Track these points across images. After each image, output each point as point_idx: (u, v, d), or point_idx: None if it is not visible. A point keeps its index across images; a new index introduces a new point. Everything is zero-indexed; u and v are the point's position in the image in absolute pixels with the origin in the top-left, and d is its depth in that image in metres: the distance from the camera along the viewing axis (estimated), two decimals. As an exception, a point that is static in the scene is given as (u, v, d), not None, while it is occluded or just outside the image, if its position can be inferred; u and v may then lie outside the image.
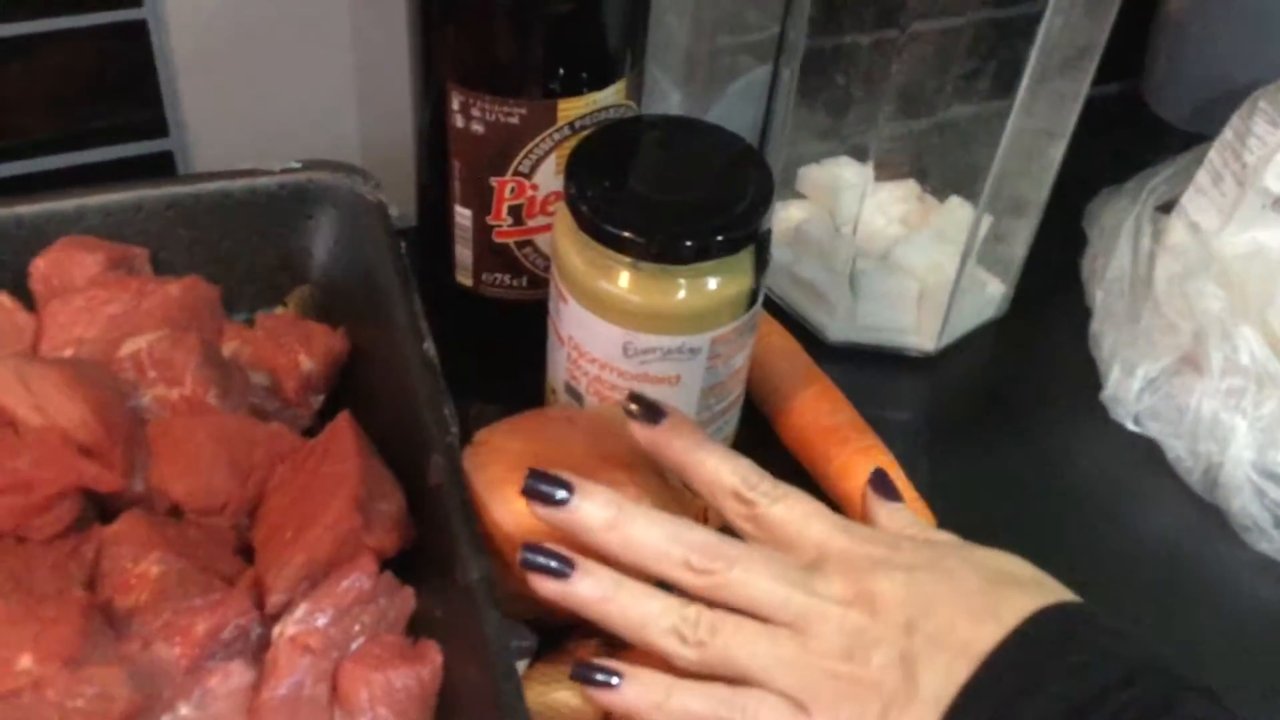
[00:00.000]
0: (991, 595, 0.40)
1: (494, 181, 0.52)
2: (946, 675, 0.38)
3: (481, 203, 0.53)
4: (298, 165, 0.55)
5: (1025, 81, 0.54)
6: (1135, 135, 0.76)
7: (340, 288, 0.56)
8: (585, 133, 0.50)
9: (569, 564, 0.42)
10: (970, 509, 0.55)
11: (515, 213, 0.53)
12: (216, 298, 0.54)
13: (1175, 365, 0.58)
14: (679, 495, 0.48)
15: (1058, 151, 0.60)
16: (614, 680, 0.41)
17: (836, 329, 0.63)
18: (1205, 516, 0.56)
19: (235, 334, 0.53)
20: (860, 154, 0.61)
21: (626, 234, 0.47)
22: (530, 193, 0.52)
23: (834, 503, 0.55)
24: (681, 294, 0.48)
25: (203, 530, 0.47)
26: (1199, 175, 0.59)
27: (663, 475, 0.48)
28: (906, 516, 0.45)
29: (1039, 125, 0.60)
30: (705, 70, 0.68)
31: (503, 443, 0.48)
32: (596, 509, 0.42)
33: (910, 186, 0.67)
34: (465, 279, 0.56)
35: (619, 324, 0.49)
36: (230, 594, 0.44)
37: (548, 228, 0.52)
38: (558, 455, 0.47)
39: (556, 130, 0.51)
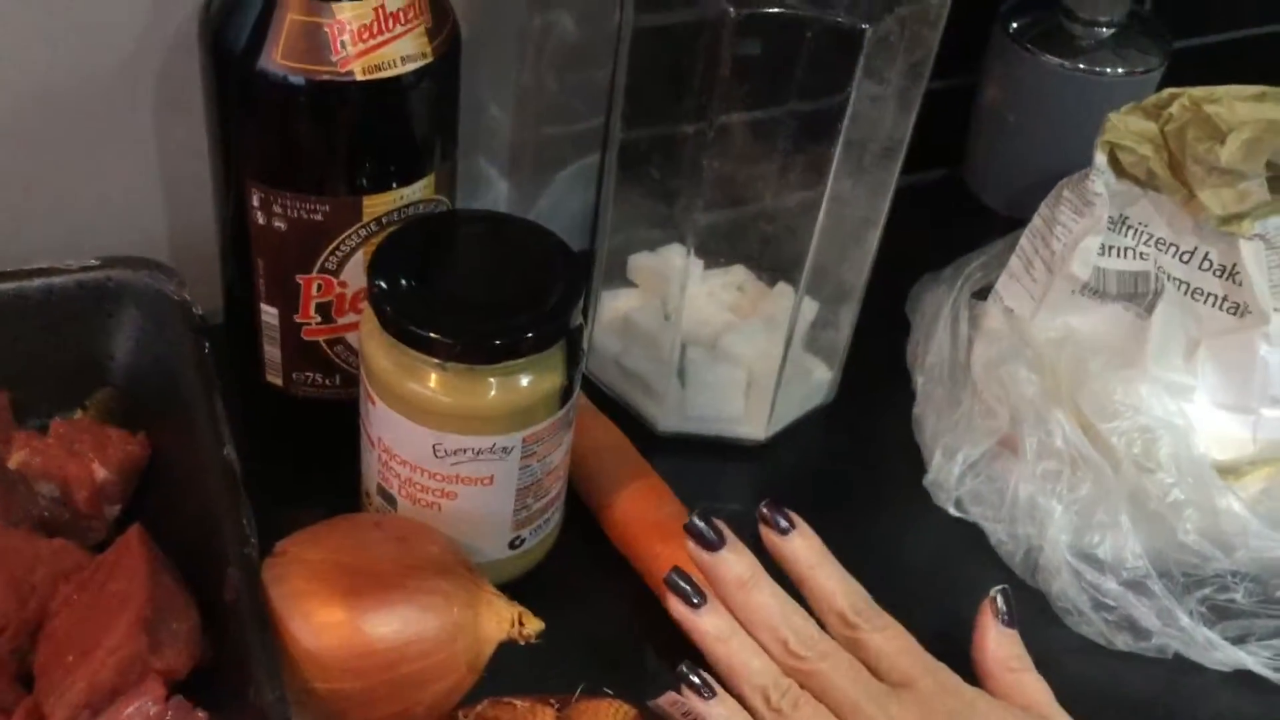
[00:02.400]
0: None
1: (300, 279, 0.51)
2: None
3: (287, 300, 0.51)
4: (96, 263, 0.53)
5: (833, 172, 0.54)
6: (959, 221, 0.77)
7: (142, 390, 0.54)
8: (391, 229, 0.49)
9: (703, 597, 0.49)
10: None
11: (324, 310, 0.52)
12: (4, 404, 0.51)
13: (994, 449, 0.59)
14: (491, 602, 0.46)
15: (874, 238, 0.61)
16: (708, 692, 0.47)
17: (666, 420, 0.62)
18: (1028, 600, 0.57)
19: (24, 443, 0.50)
20: (686, 241, 0.61)
21: (433, 334, 0.46)
22: (339, 290, 0.51)
23: (657, 599, 0.54)
24: (492, 393, 0.47)
25: (-22, 657, 0.44)
26: (1011, 261, 0.61)
27: (477, 583, 0.47)
28: (1013, 647, 0.50)
29: (856, 213, 0.61)
30: (531, 160, 0.68)
31: (303, 553, 0.46)
32: (738, 565, 0.50)
33: (740, 273, 0.67)
34: (275, 378, 0.54)
35: (428, 425, 0.48)
36: (4, 726, 0.41)
37: (358, 324, 0.51)
38: (363, 563, 0.45)
39: (363, 227, 0.49)
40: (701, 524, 0.50)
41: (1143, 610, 0.54)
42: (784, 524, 0.51)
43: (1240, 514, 0.55)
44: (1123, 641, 0.55)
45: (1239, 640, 0.55)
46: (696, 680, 0.47)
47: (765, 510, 0.51)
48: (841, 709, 0.46)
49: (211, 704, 0.42)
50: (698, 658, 0.49)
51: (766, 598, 0.49)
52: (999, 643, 0.50)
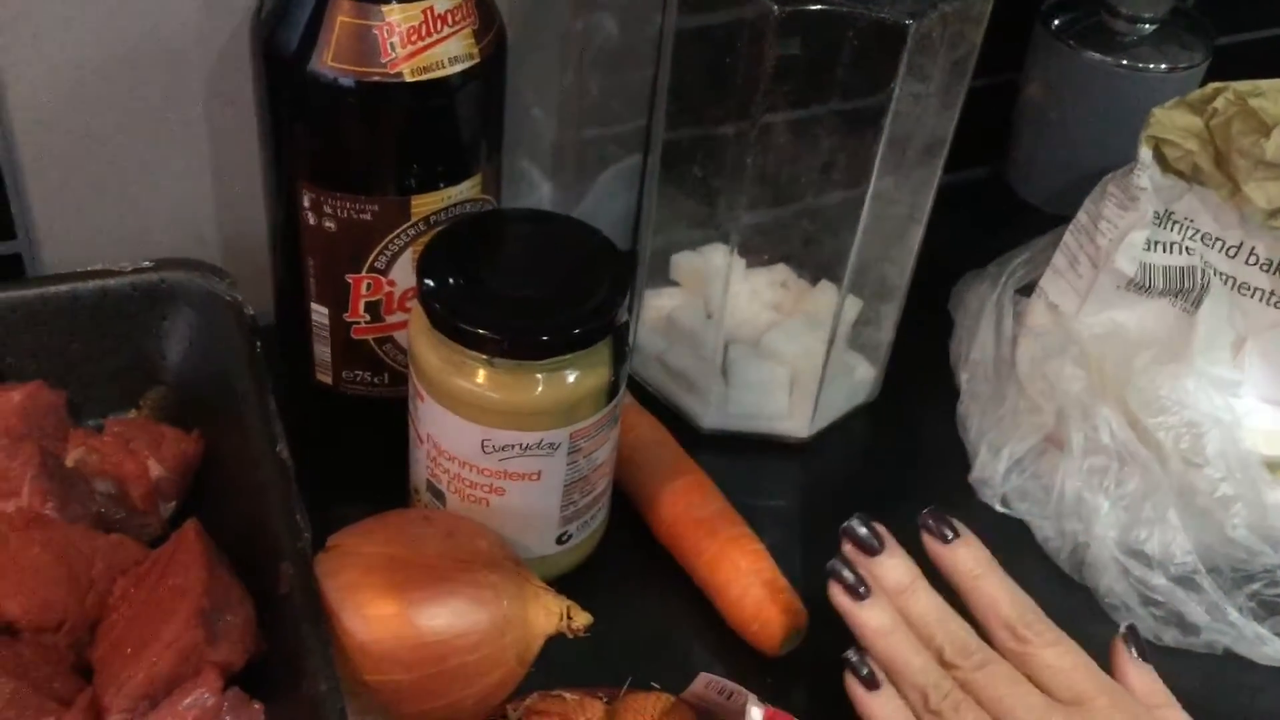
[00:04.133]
0: None
1: (349, 278, 0.51)
2: None
3: (338, 300, 0.52)
4: (150, 265, 0.54)
5: (876, 170, 0.54)
6: (1002, 218, 0.77)
7: (195, 389, 0.55)
8: (440, 228, 0.50)
9: (868, 589, 0.48)
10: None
11: (373, 309, 0.52)
12: (61, 403, 0.52)
13: (1040, 446, 0.59)
14: (539, 596, 0.47)
15: (917, 236, 0.61)
16: (874, 683, 0.46)
17: (709, 417, 0.63)
18: (1075, 596, 0.57)
19: (81, 440, 0.51)
20: (729, 241, 0.61)
21: (481, 331, 0.47)
22: (387, 289, 0.52)
23: (705, 595, 0.54)
24: (539, 389, 0.48)
25: (39, 649, 0.45)
26: (1056, 258, 0.61)
27: (525, 577, 0.47)
28: (1155, 683, 0.48)
29: (899, 211, 0.61)
30: (574, 161, 0.69)
31: (356, 547, 0.46)
32: (897, 571, 0.48)
33: (782, 272, 0.68)
34: (325, 377, 0.55)
35: (477, 421, 0.48)
36: (66, 716, 0.42)
37: (407, 324, 0.51)
38: (414, 557, 0.46)
39: (411, 226, 0.50)
40: (862, 528, 0.49)
41: (1191, 606, 0.54)
42: (948, 533, 0.49)
43: (1289, 509, 0.55)
44: (1171, 637, 0.54)
45: (1289, 636, 0.54)
46: (865, 670, 0.46)
47: (928, 518, 0.49)
48: (997, 715, 0.44)
49: (266, 695, 0.43)
50: (749, 672, 0.48)
51: (925, 604, 0.48)
52: (1140, 679, 0.47)
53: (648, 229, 0.64)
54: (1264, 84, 0.55)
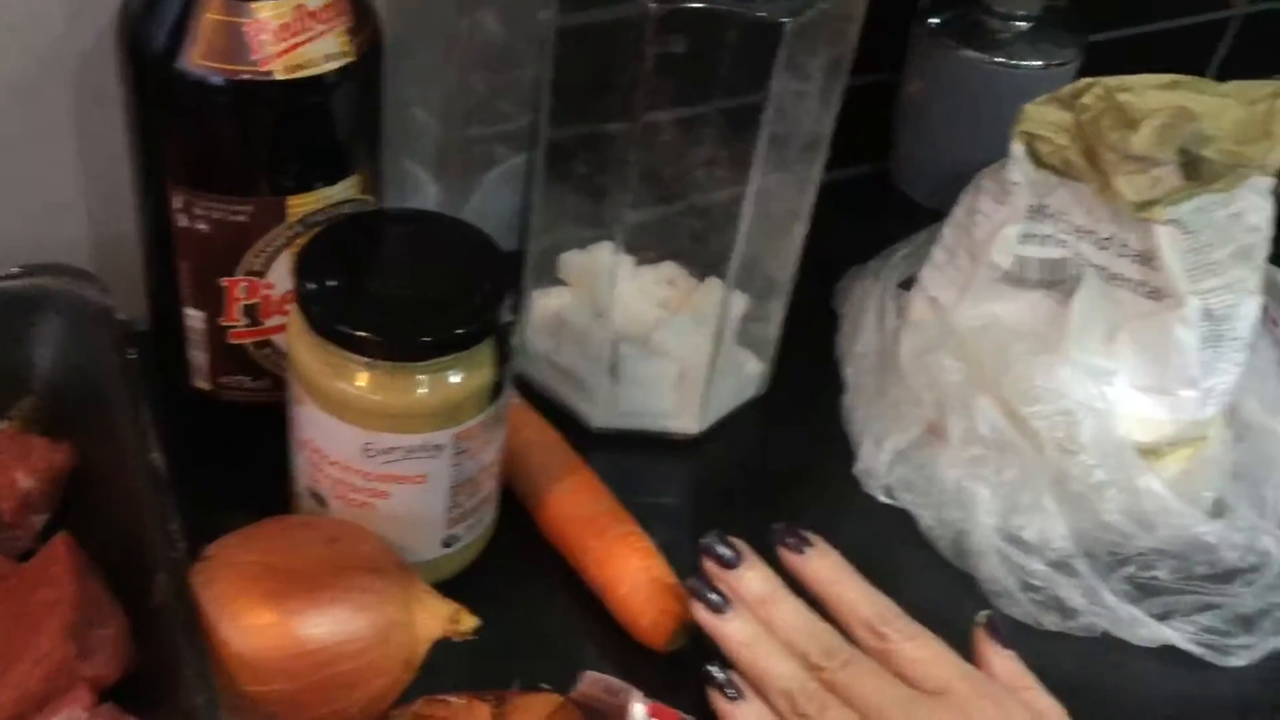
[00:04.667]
0: None
1: (224, 282, 0.50)
2: None
3: (213, 304, 0.51)
4: (16, 270, 0.52)
5: (757, 167, 0.55)
6: (885, 214, 0.78)
7: (66, 398, 0.53)
8: (317, 229, 0.49)
9: (728, 603, 0.49)
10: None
11: (250, 313, 0.51)
12: (-76, 415, 0.50)
13: (922, 437, 0.60)
14: (425, 600, 0.46)
15: (801, 232, 0.62)
16: (733, 693, 0.47)
17: (599, 416, 0.63)
18: (957, 583, 0.58)
19: (-54, 454, 0.49)
20: (615, 239, 0.61)
21: (361, 333, 0.46)
22: (264, 292, 0.51)
23: (595, 594, 0.54)
24: (421, 391, 0.47)
25: (-99, 671, 0.43)
26: (935, 252, 0.62)
27: (411, 581, 0.47)
28: (1017, 667, 0.49)
29: (783, 208, 0.61)
30: (460, 161, 0.68)
31: (232, 555, 0.45)
32: (757, 583, 0.49)
33: (670, 269, 0.68)
34: (202, 383, 0.54)
35: (358, 425, 0.48)
36: (-71, 740, 0.40)
37: (285, 326, 0.51)
38: (294, 564, 0.45)
39: (288, 227, 0.49)
40: (719, 545, 0.50)
41: (1069, 590, 0.55)
42: (799, 543, 0.50)
43: (1161, 493, 0.56)
44: (1050, 621, 0.56)
45: (1163, 616, 0.56)
46: (723, 681, 0.47)
47: (780, 531, 0.51)
48: (868, 717, 0.45)
49: (142, 710, 0.42)
50: (633, 670, 0.48)
51: (787, 612, 0.49)
52: (1003, 665, 0.49)
53: (534, 229, 0.63)
54: (1131, 79, 0.57)
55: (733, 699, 0.47)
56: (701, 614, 0.49)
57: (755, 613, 0.49)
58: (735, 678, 0.47)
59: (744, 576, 0.49)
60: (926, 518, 0.59)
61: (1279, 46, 0.91)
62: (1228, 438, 0.61)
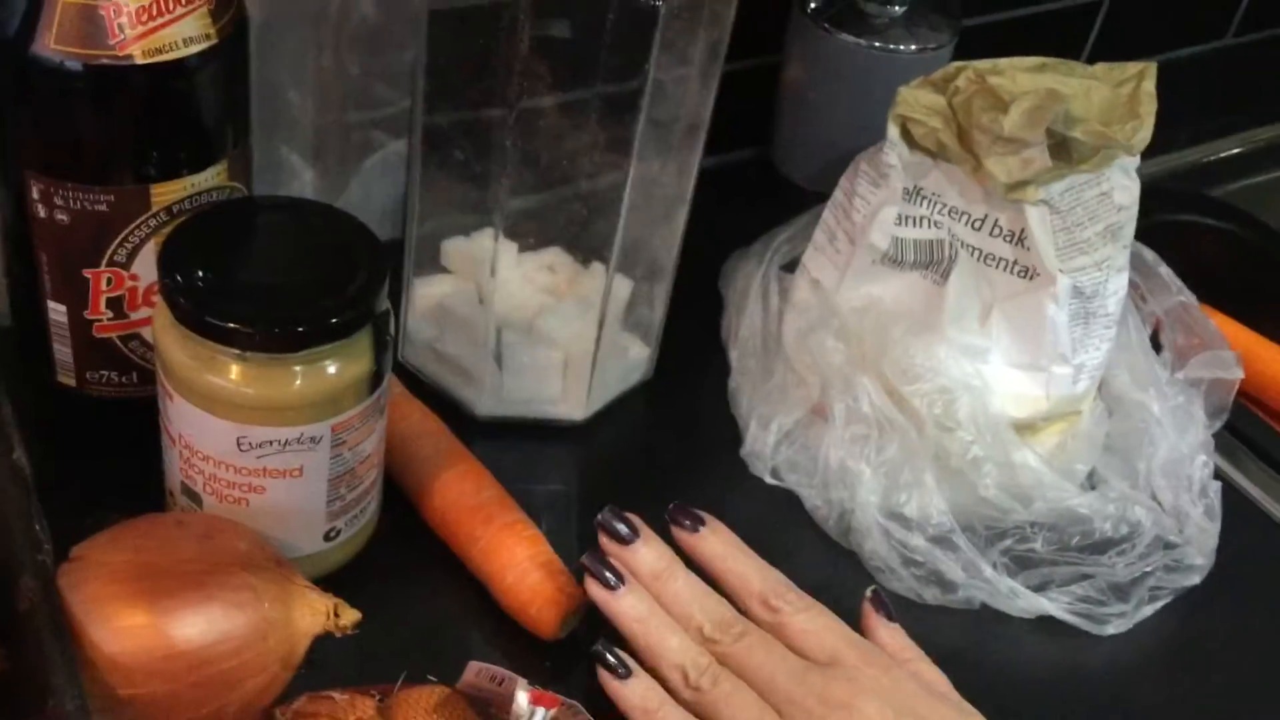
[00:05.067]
0: None
1: (88, 274, 0.49)
2: None
3: (76, 297, 0.49)
4: None
5: (636, 151, 0.55)
6: (768, 198, 0.79)
7: (-77, 398, 0.51)
8: (183, 218, 0.48)
9: (620, 579, 0.49)
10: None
11: (115, 305, 0.50)
12: None
13: (807, 418, 0.60)
14: (304, 596, 0.45)
15: (683, 216, 0.62)
16: (622, 671, 0.47)
17: (484, 404, 0.62)
18: (843, 561, 0.58)
19: None
20: (497, 225, 0.61)
21: (230, 324, 0.45)
22: (130, 283, 0.49)
23: (482, 584, 0.54)
24: (297, 383, 0.46)
25: None
26: (816, 234, 0.62)
27: (289, 577, 0.46)
28: (904, 640, 0.50)
29: (665, 192, 0.61)
30: (337, 147, 0.67)
31: (101, 556, 0.44)
32: (652, 558, 0.50)
33: (553, 255, 0.67)
34: (68, 379, 0.52)
35: (231, 419, 0.46)
36: None
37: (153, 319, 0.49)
38: (165, 563, 0.44)
39: (152, 216, 0.48)
40: (615, 520, 0.50)
41: (949, 564, 0.56)
42: (693, 523, 0.51)
43: (1036, 468, 0.57)
44: (932, 595, 0.57)
45: (1040, 588, 0.57)
46: (611, 659, 0.47)
47: (674, 511, 0.51)
48: (761, 687, 0.46)
49: (12, 716, 0.41)
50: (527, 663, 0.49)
51: (681, 587, 0.49)
52: (890, 637, 0.50)
53: (414, 216, 0.62)
54: (1003, 62, 0.58)
55: (622, 677, 0.47)
56: (595, 590, 0.49)
57: (649, 588, 0.49)
58: (624, 655, 0.47)
59: (639, 552, 0.50)
60: (812, 497, 0.59)
61: (1149, 27, 0.94)
62: (1100, 412, 0.62)
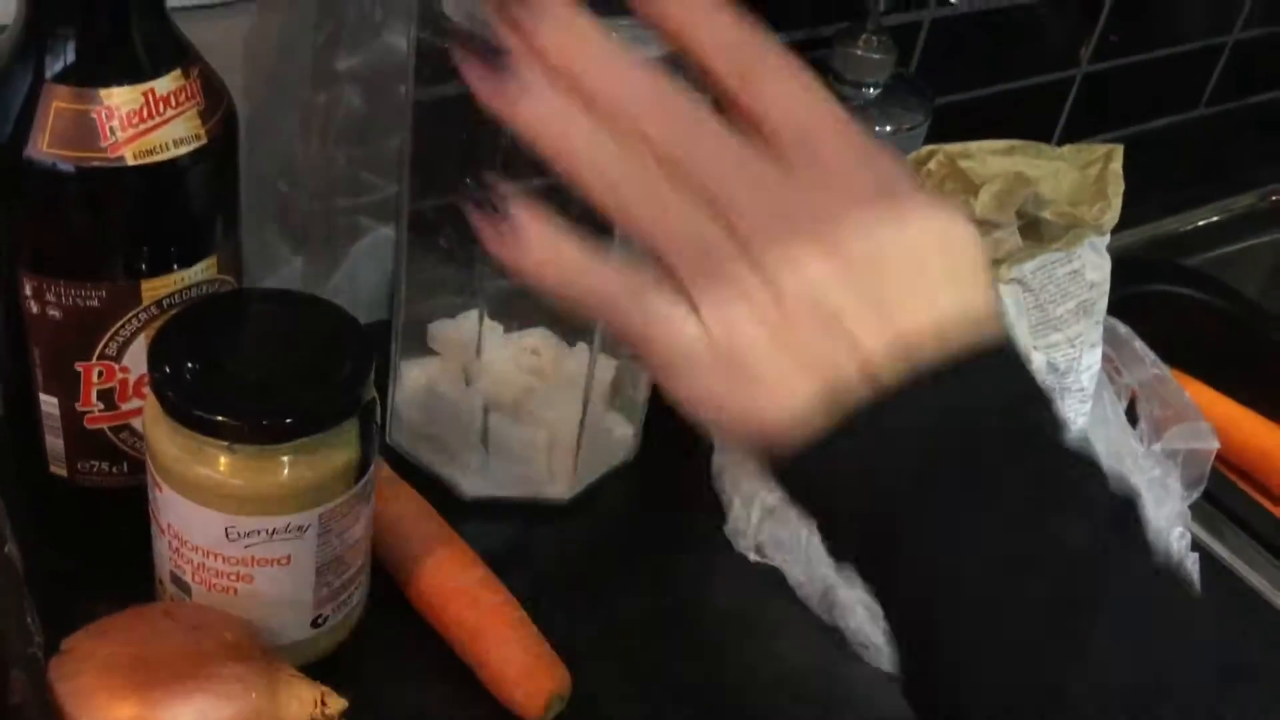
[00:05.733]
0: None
1: (79, 367, 0.49)
2: None
3: (68, 389, 0.50)
4: None
5: (618, 235, 0.56)
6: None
7: (-85, 490, 0.52)
8: (172, 312, 0.49)
9: (519, 73, 0.34)
10: (608, 658, 0.56)
11: (106, 397, 0.50)
12: None
13: (789, 495, 0.61)
14: (291, 684, 0.46)
15: (666, 298, 0.63)
16: (495, 206, 0.35)
17: (470, 485, 0.63)
18: (828, 637, 0.59)
19: None
20: (482, 307, 0.62)
21: (219, 417, 0.46)
22: (121, 376, 0.50)
23: (469, 667, 0.54)
24: (284, 473, 0.47)
25: None
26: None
27: (276, 666, 0.47)
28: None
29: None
30: (325, 233, 0.68)
31: (91, 648, 0.45)
32: (560, 29, 0.34)
33: (539, 335, 0.68)
34: (59, 469, 0.53)
35: (219, 509, 0.47)
36: None
37: (143, 410, 0.50)
38: (154, 655, 0.45)
39: (143, 310, 0.49)
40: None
41: (932, 640, 0.57)
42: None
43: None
44: (916, 672, 0.57)
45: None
46: (480, 196, 0.35)
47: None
48: (714, 200, 0.34)
49: (-3, 814, 0.41)
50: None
51: (604, 65, 0.34)
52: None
53: (401, 300, 0.64)
54: (972, 146, 0.59)
55: (493, 213, 0.36)
56: (484, 92, 0.34)
57: (561, 78, 0.34)
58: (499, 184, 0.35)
59: (542, 28, 0.34)
60: (796, 574, 0.60)
61: (1122, 99, 0.96)
62: (1079, 484, 0.63)
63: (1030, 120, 0.77)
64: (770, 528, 0.61)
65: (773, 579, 0.61)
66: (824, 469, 0.34)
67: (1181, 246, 0.91)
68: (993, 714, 0.33)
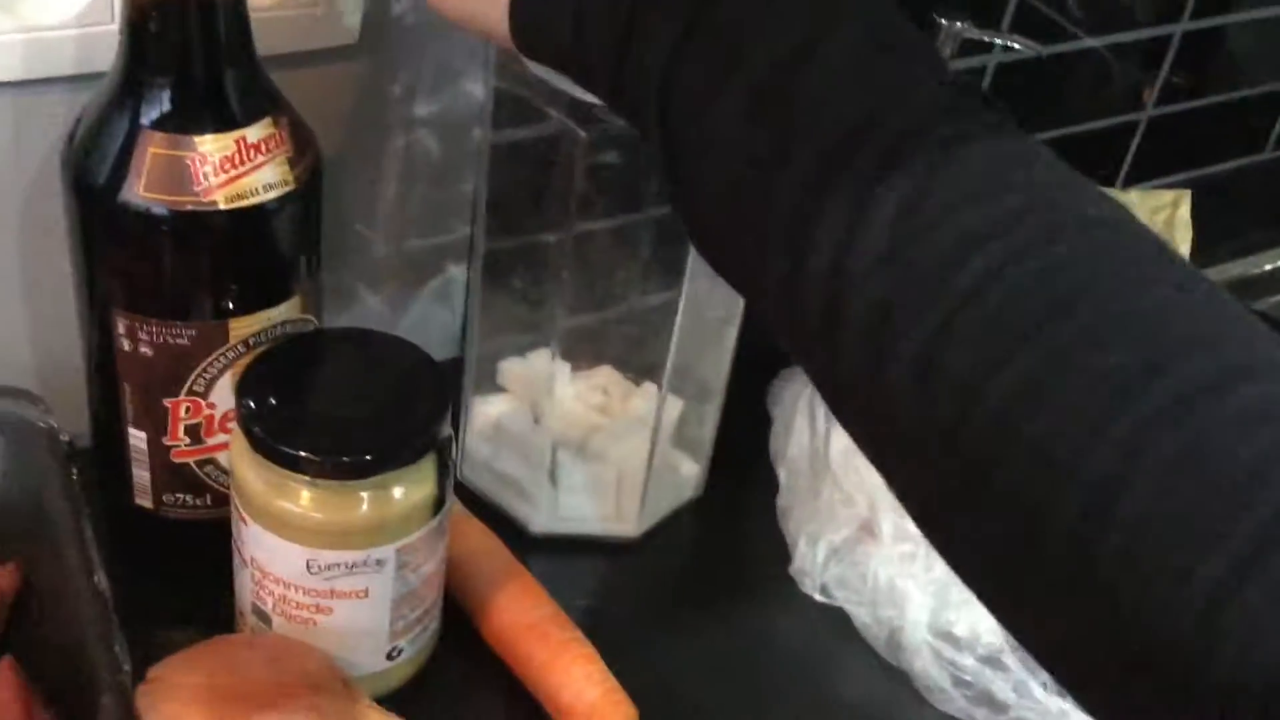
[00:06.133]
0: None
1: (168, 403, 0.51)
2: None
3: (156, 424, 0.52)
4: (-40, 393, 0.53)
5: (688, 274, 0.57)
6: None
7: (9, 519, 0.53)
8: (259, 350, 0.50)
9: None
10: (674, 696, 0.57)
11: (192, 432, 0.52)
12: None
13: (855, 535, 0.61)
14: (368, 715, 0.47)
15: (732, 336, 0.64)
16: None
17: (539, 521, 0.64)
18: (894, 680, 0.59)
19: (-114, 580, 0.49)
20: (552, 345, 0.63)
21: (302, 453, 0.47)
22: (207, 411, 0.52)
23: (539, 702, 0.55)
24: (364, 508, 0.48)
25: None
26: (862, 355, 0.64)
27: (354, 697, 0.48)
28: None
29: (715, 313, 0.63)
30: (400, 272, 0.70)
31: (177, 677, 0.46)
32: None
33: (606, 374, 0.70)
34: (145, 501, 0.54)
35: (301, 543, 0.48)
36: None
37: (228, 445, 0.51)
38: (237, 685, 0.46)
39: (230, 349, 0.50)
40: None
41: (999, 684, 0.57)
42: None
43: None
44: (983, 716, 0.57)
45: (1091, 707, 0.57)
46: None
47: None
48: None
49: (86, 837, 0.42)
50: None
51: None
52: None
53: (473, 338, 0.65)
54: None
55: None
56: None
57: None
58: None
59: None
60: (861, 615, 0.60)
61: (1187, 143, 0.96)
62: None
63: (1095, 164, 0.77)
64: (835, 568, 0.62)
65: (838, 620, 0.61)
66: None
67: (1251, 290, 0.90)
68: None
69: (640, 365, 0.67)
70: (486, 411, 0.67)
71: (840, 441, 0.63)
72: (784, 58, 0.36)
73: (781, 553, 0.64)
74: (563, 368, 0.66)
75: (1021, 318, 0.31)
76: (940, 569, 0.58)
